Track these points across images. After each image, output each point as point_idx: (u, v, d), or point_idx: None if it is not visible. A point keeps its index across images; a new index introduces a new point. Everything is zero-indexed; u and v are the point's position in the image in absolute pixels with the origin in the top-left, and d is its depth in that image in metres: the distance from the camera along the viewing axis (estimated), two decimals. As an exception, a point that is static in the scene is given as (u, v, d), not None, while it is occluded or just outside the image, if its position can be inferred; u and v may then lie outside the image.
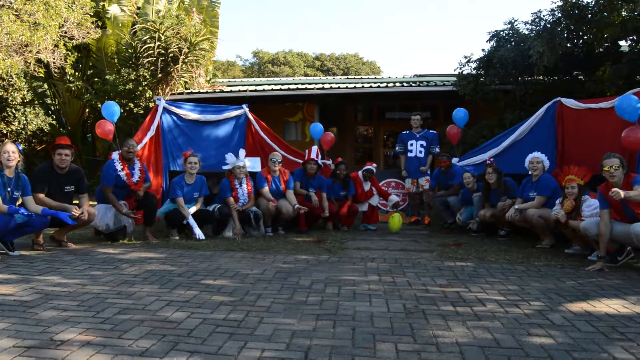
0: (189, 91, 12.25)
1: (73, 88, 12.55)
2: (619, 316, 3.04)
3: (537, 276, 4.15)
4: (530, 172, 5.92)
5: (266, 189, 6.46)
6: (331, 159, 7.57)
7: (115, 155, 5.91)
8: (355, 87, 11.62)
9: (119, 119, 11.79)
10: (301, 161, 7.17)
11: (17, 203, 4.84)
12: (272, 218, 6.52)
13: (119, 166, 5.75)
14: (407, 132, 7.92)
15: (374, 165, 7.38)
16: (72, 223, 4.93)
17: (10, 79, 11.14)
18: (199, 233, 5.88)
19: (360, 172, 7.28)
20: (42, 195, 5.02)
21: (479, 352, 2.44)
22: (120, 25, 12.71)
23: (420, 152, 7.71)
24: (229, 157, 6.45)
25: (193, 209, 6.04)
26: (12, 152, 4.73)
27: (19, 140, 12.71)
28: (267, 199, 6.37)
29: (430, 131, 7.88)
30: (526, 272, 4.32)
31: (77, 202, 5.38)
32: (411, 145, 7.78)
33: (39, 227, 4.92)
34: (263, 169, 6.79)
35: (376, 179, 7.52)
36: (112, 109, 6.98)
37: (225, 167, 6.45)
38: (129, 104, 11.61)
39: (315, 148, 7.09)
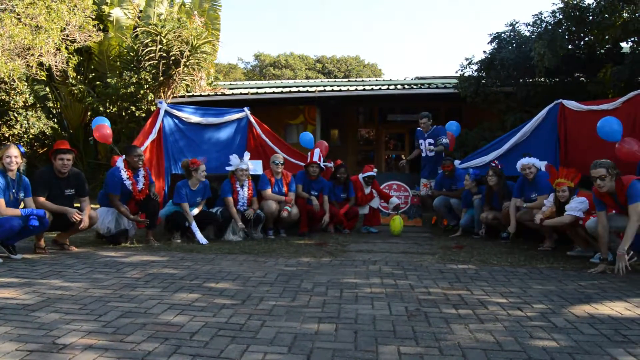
0: (190, 94, 12.29)
1: (75, 91, 12.58)
2: (622, 319, 3.03)
3: (540, 278, 4.14)
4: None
5: (269, 191, 6.46)
6: (332, 161, 7.57)
7: (120, 162, 5.82)
8: (356, 90, 11.64)
9: (121, 122, 11.97)
10: (303, 164, 7.17)
11: (20, 205, 4.85)
12: (274, 221, 6.52)
13: (124, 174, 5.69)
14: (419, 129, 7.90)
15: (375, 170, 7.35)
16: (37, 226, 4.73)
17: (12, 83, 11.22)
18: (200, 238, 5.88)
19: (360, 177, 7.25)
20: (42, 199, 5.02)
21: (481, 355, 2.43)
22: (122, 28, 12.76)
23: (430, 150, 7.66)
24: (234, 158, 6.45)
25: (195, 211, 6.05)
26: (15, 156, 4.74)
27: (21, 143, 12.74)
28: (275, 199, 6.42)
29: (437, 127, 7.82)
30: (528, 274, 4.31)
31: (78, 205, 5.39)
32: (421, 144, 7.78)
33: (40, 229, 4.92)
34: (266, 170, 6.79)
35: (377, 182, 7.50)
36: (102, 121, 7.01)
37: (228, 169, 6.45)
38: (131, 107, 11.65)
39: (317, 151, 7.08)
